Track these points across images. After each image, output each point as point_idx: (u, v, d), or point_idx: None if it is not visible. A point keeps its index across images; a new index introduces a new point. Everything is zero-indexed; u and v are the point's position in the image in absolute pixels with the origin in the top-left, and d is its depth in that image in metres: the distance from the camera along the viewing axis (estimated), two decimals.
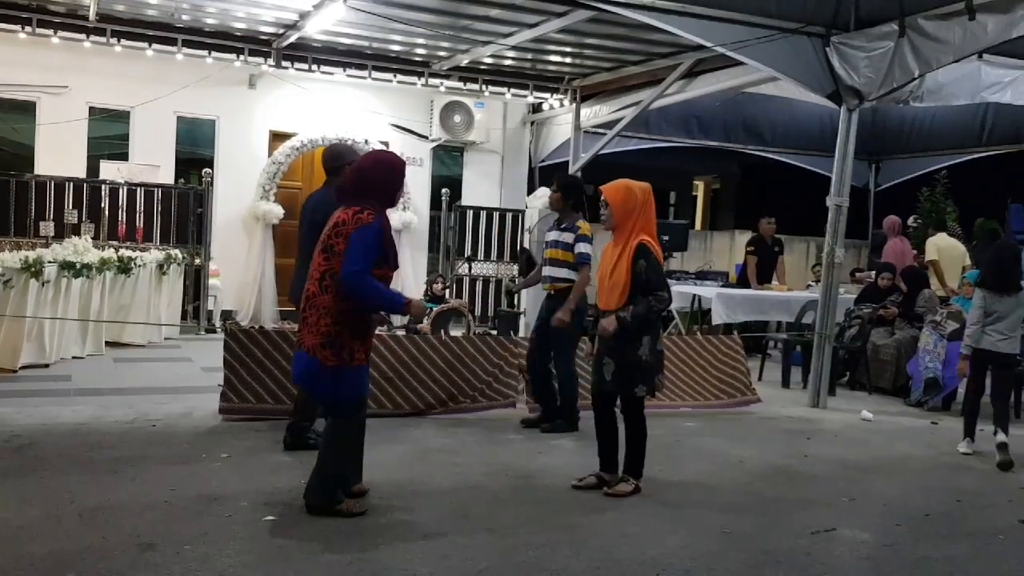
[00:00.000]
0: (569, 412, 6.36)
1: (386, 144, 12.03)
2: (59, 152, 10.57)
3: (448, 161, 13.21)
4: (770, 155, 13.49)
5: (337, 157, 5.42)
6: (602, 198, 4.86)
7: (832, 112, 8.45)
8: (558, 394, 6.44)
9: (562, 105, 12.21)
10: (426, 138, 12.32)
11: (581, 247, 6.17)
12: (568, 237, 6.23)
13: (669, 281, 10.18)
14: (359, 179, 4.27)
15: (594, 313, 4.95)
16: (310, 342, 4.13)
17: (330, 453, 4.24)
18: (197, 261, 10.49)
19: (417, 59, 11.15)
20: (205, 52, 10.34)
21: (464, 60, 10.81)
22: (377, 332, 8.20)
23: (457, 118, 12.10)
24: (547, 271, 6.36)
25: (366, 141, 11.77)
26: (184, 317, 10.36)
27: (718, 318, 9.72)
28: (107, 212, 10.12)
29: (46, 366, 7.62)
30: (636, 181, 4.93)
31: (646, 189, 4.87)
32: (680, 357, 7.35)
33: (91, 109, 10.85)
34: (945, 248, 10.09)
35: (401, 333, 8.39)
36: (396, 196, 4.33)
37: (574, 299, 6.09)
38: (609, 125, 11.16)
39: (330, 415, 4.30)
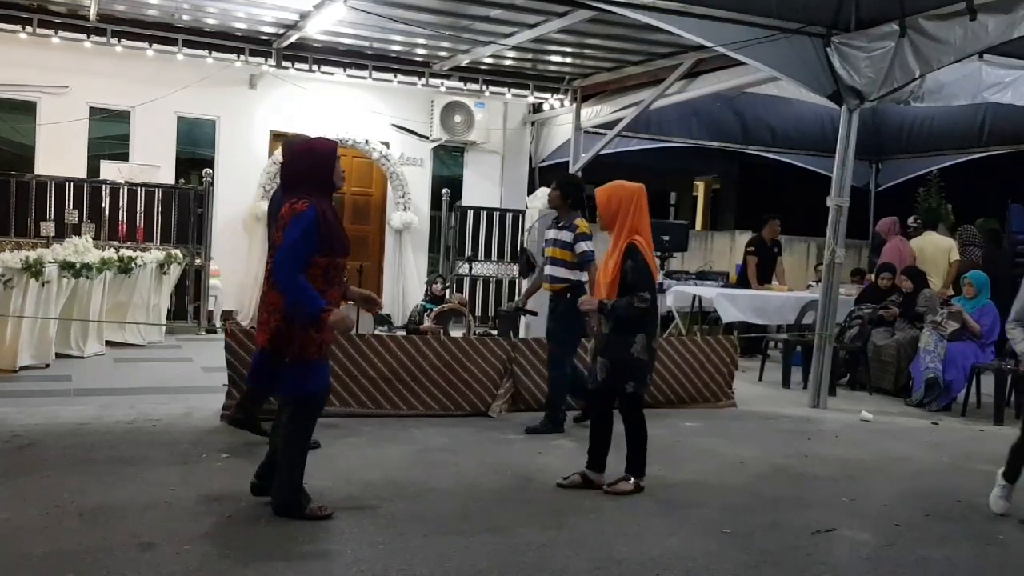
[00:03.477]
0: (554, 413, 6.31)
1: (387, 144, 12.05)
2: (60, 152, 10.57)
3: (448, 161, 13.21)
4: (771, 155, 13.49)
5: None
6: (596, 200, 4.93)
7: (833, 112, 8.45)
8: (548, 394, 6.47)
9: (563, 105, 12.21)
10: (426, 138, 12.32)
11: (583, 246, 6.16)
12: (567, 236, 6.22)
13: (669, 281, 10.41)
14: (287, 172, 4.28)
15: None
16: (261, 339, 4.13)
17: (295, 450, 4.19)
18: (198, 261, 10.50)
19: (417, 59, 11.16)
20: (205, 52, 10.34)
21: (464, 60, 10.82)
22: (377, 332, 8.25)
23: (457, 118, 12.10)
24: (548, 270, 6.37)
25: (367, 141, 11.79)
26: (184, 317, 10.37)
27: (727, 317, 9.70)
28: (107, 212, 10.12)
29: (46, 366, 7.62)
30: (629, 182, 4.96)
31: (634, 190, 4.88)
32: (672, 357, 7.34)
33: (91, 109, 10.84)
34: (925, 248, 10.05)
35: (401, 334, 8.39)
36: (330, 179, 4.18)
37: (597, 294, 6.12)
38: (610, 125, 11.16)
39: (289, 411, 4.19)
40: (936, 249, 10.05)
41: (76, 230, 9.61)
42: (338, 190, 4.30)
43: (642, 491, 4.88)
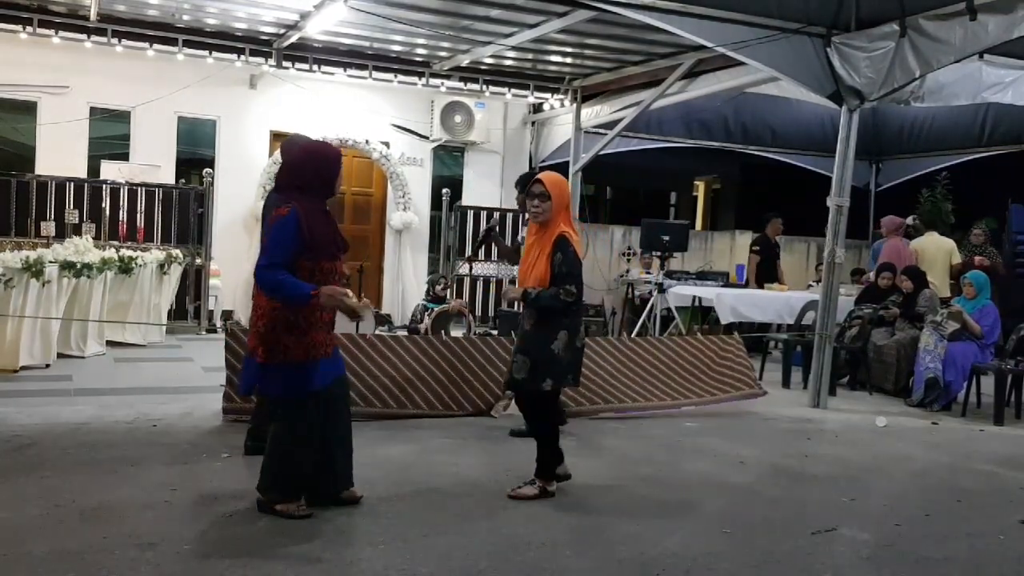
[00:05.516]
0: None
1: (387, 144, 12.06)
2: (60, 152, 10.57)
3: (449, 161, 13.22)
4: (771, 155, 13.49)
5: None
6: (541, 190, 4.68)
7: (833, 112, 8.45)
8: None
9: (563, 105, 12.21)
10: (427, 138, 12.33)
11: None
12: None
13: (670, 281, 10.40)
14: (289, 174, 4.26)
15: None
16: (251, 343, 4.14)
17: (271, 452, 4.22)
18: (198, 261, 10.50)
19: (418, 59, 11.16)
20: (206, 52, 10.34)
21: (465, 60, 10.82)
22: (378, 333, 8.25)
23: (458, 118, 12.10)
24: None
25: (367, 141, 11.80)
26: (185, 317, 10.37)
27: (726, 318, 9.71)
28: (108, 212, 10.13)
29: (47, 366, 7.62)
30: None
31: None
32: (684, 355, 7.34)
33: (92, 109, 10.85)
34: (926, 248, 10.05)
35: (402, 334, 8.40)
36: (333, 184, 4.22)
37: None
38: (610, 125, 11.16)
39: (272, 409, 4.25)
40: (937, 250, 10.04)
41: (76, 230, 9.62)
42: (335, 195, 4.33)
43: (551, 496, 4.71)
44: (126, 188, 10.25)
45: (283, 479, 4.22)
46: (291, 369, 4.10)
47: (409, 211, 12.14)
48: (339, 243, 4.22)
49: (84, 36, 9.86)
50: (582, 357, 4.85)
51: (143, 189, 10.30)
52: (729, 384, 7.43)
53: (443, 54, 10.80)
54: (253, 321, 4.16)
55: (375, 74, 11.13)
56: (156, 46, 10.15)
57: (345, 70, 11.02)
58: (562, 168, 11.87)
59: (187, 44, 10.21)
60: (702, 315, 10.71)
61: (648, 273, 11.65)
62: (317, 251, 4.06)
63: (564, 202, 4.72)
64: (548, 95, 12.14)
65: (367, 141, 11.82)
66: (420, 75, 11.39)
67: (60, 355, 7.95)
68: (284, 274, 3.97)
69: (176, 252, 9.99)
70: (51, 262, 7.60)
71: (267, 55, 10.58)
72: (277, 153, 11.30)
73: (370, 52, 10.88)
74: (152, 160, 10.88)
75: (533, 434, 4.84)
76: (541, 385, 4.65)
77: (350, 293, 4.12)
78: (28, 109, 10.74)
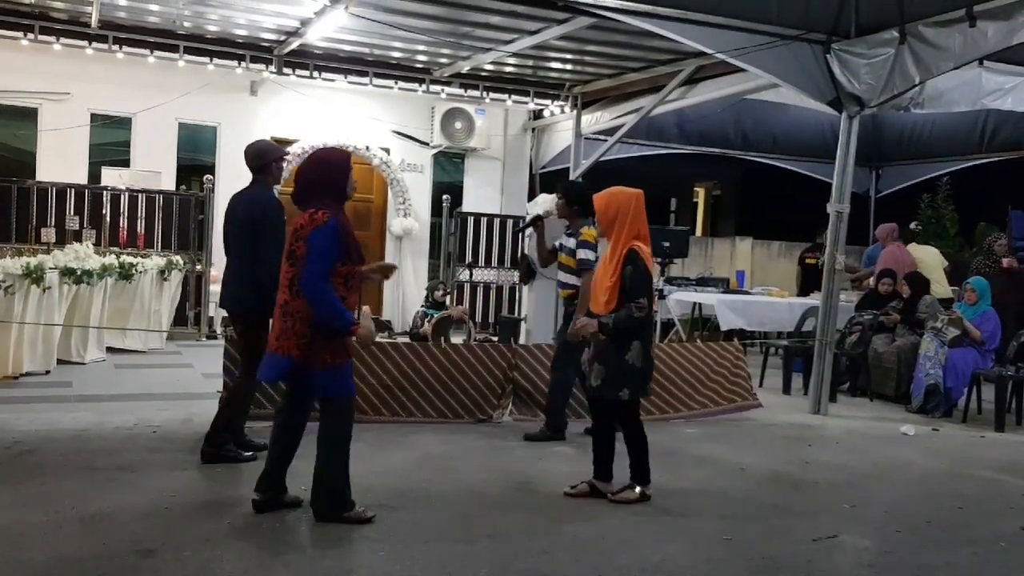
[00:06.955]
0: (554, 419, 6.25)
1: (387, 150, 12.08)
2: (61, 158, 10.60)
3: (449, 167, 13.24)
4: (771, 161, 13.51)
5: (261, 155, 5.49)
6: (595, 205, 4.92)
7: (833, 118, 8.46)
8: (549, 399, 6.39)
9: (563, 111, 12.23)
10: (427, 144, 12.35)
11: (582, 253, 6.09)
12: (571, 242, 6.19)
13: (670, 288, 10.40)
14: (305, 182, 4.29)
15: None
16: (295, 348, 4.13)
17: (334, 456, 4.22)
18: (198, 267, 10.50)
19: (418, 66, 11.18)
20: (207, 59, 10.37)
21: (465, 67, 10.84)
22: (378, 340, 8.25)
23: (458, 124, 12.13)
24: (559, 276, 6.36)
25: (367, 147, 11.81)
26: (185, 323, 10.37)
27: (726, 324, 9.72)
28: (108, 218, 10.14)
29: (47, 372, 7.62)
30: (627, 188, 4.92)
31: (631, 195, 4.84)
32: (680, 363, 7.32)
33: (93, 116, 10.88)
34: (922, 256, 10.08)
35: (403, 340, 8.40)
36: (344, 190, 4.30)
37: (581, 308, 6.02)
38: (610, 131, 11.18)
39: (324, 416, 4.24)
40: (933, 256, 10.07)
41: (77, 236, 9.63)
42: (349, 199, 4.39)
43: (648, 499, 4.82)
44: (126, 194, 10.26)
45: (344, 487, 4.24)
46: (348, 368, 4.23)
47: (409, 217, 12.16)
48: (360, 248, 4.34)
49: (85, 43, 9.89)
50: (652, 366, 4.96)
51: (143, 195, 10.31)
52: (725, 395, 7.42)
53: (443, 61, 10.82)
54: (291, 326, 4.10)
55: (375, 80, 11.16)
56: (157, 53, 10.18)
57: (346, 76, 11.04)
58: (562, 174, 11.92)
59: (188, 51, 10.25)
60: (703, 323, 10.70)
61: None
62: (351, 256, 4.18)
63: (611, 215, 4.79)
64: (548, 101, 12.16)
65: (367, 147, 11.83)
66: (420, 81, 11.42)
67: (60, 361, 7.95)
68: (332, 292, 4.06)
69: (176, 258, 9.99)
70: (51, 268, 7.60)
71: (268, 62, 10.62)
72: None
73: (371, 59, 10.91)
74: (153, 166, 10.90)
75: (625, 439, 4.90)
76: (618, 395, 4.75)
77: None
78: (29, 115, 10.77)
